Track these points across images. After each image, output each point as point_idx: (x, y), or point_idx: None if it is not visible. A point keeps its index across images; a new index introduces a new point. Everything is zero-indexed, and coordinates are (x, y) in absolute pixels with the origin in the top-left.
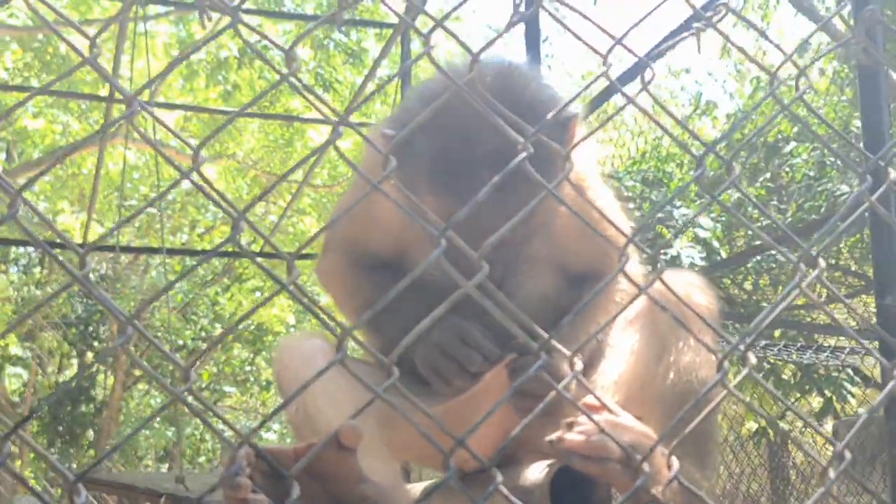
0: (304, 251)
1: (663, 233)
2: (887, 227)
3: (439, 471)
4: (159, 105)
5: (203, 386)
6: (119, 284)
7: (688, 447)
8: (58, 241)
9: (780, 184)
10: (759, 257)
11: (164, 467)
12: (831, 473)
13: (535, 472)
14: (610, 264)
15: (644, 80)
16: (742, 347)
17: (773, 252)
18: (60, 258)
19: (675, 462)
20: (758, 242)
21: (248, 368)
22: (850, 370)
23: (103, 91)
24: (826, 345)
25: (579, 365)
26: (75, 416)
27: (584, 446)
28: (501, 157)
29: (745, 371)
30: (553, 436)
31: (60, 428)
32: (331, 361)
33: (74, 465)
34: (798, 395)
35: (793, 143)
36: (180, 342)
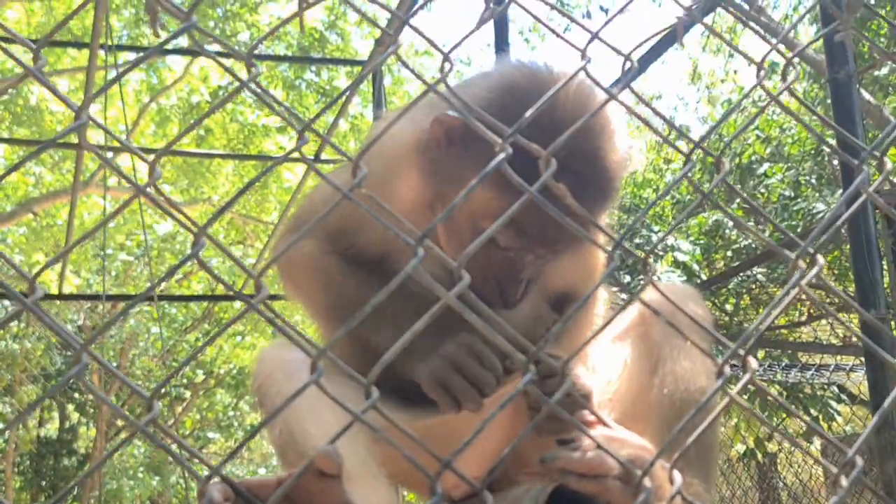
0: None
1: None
2: (866, 240)
3: (428, 498)
4: (132, 150)
5: (186, 433)
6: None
7: (689, 459)
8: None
9: (757, 204)
10: (738, 278)
11: None
12: (843, 481)
13: (531, 494)
14: (591, 285)
15: (624, 72)
16: (742, 352)
17: (752, 272)
18: (34, 305)
19: (678, 476)
20: (736, 264)
21: (231, 413)
22: (835, 387)
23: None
24: (811, 363)
25: (578, 378)
26: (58, 470)
27: (579, 464)
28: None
29: (746, 377)
30: (546, 454)
31: (43, 483)
32: (304, 384)
33: None
34: (784, 415)
35: (767, 165)
36: (162, 390)
